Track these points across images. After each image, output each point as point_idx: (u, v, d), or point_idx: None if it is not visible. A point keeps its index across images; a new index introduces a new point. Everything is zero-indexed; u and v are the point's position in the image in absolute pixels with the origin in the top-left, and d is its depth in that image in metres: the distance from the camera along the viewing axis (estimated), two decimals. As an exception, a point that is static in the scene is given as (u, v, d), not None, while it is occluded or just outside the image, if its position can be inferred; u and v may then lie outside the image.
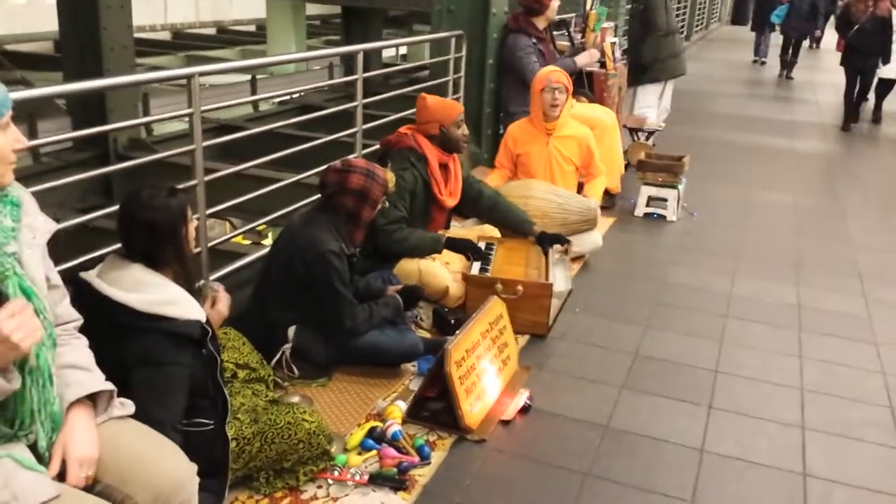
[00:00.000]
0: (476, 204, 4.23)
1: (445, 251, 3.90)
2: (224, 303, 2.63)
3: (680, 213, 5.72)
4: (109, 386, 1.85)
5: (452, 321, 3.58)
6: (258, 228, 5.12)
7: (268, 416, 2.42)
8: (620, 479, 2.68)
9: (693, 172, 6.13)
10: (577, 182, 5.12)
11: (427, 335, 3.58)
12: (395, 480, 2.55)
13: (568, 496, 2.58)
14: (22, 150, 1.75)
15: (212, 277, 3.37)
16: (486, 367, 3.05)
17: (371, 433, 2.77)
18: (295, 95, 8.93)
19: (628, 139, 6.77)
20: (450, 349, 2.80)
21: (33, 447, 1.69)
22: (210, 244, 3.43)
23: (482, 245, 4.03)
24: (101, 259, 2.27)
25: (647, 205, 5.70)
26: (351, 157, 4.07)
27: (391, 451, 2.68)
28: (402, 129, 4.10)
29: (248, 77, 9.14)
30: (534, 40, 5.83)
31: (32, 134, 5.87)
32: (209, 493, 2.10)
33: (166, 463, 1.83)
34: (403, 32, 13.08)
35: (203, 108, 3.26)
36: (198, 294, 2.36)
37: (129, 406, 1.90)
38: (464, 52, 5.91)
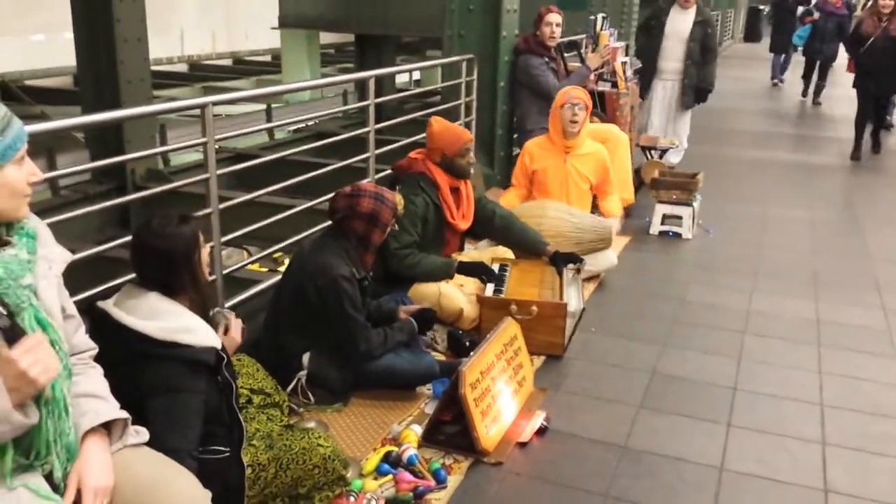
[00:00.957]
0: (489, 225, 4.22)
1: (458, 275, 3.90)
2: (236, 329, 2.64)
3: (695, 230, 5.69)
4: (124, 414, 1.86)
5: (467, 343, 3.58)
6: (274, 255, 5.15)
7: (283, 442, 2.42)
8: (639, 499, 2.66)
9: (709, 190, 6.10)
10: (591, 200, 5.13)
11: (442, 357, 3.57)
12: (412, 505, 2.54)
13: (586, 518, 2.56)
14: (38, 183, 1.78)
15: (227, 305, 3.40)
16: (501, 388, 3.04)
17: (387, 458, 2.77)
18: (310, 123, 9.00)
19: (641, 158, 6.77)
20: (464, 371, 2.79)
21: (49, 477, 1.70)
22: (225, 271, 3.46)
23: (496, 267, 4.03)
24: (117, 288, 2.30)
25: (662, 223, 5.68)
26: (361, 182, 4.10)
27: (407, 476, 2.67)
28: (413, 154, 4.11)
29: (264, 106, 9.25)
30: (546, 59, 5.87)
31: (51, 167, 5.95)
32: (225, 520, 2.11)
33: (181, 491, 1.84)
34: (416, 58, 13.20)
35: (217, 136, 3.31)
36: (210, 321, 2.38)
37: (143, 434, 1.91)
38: (475, 76, 5.97)
